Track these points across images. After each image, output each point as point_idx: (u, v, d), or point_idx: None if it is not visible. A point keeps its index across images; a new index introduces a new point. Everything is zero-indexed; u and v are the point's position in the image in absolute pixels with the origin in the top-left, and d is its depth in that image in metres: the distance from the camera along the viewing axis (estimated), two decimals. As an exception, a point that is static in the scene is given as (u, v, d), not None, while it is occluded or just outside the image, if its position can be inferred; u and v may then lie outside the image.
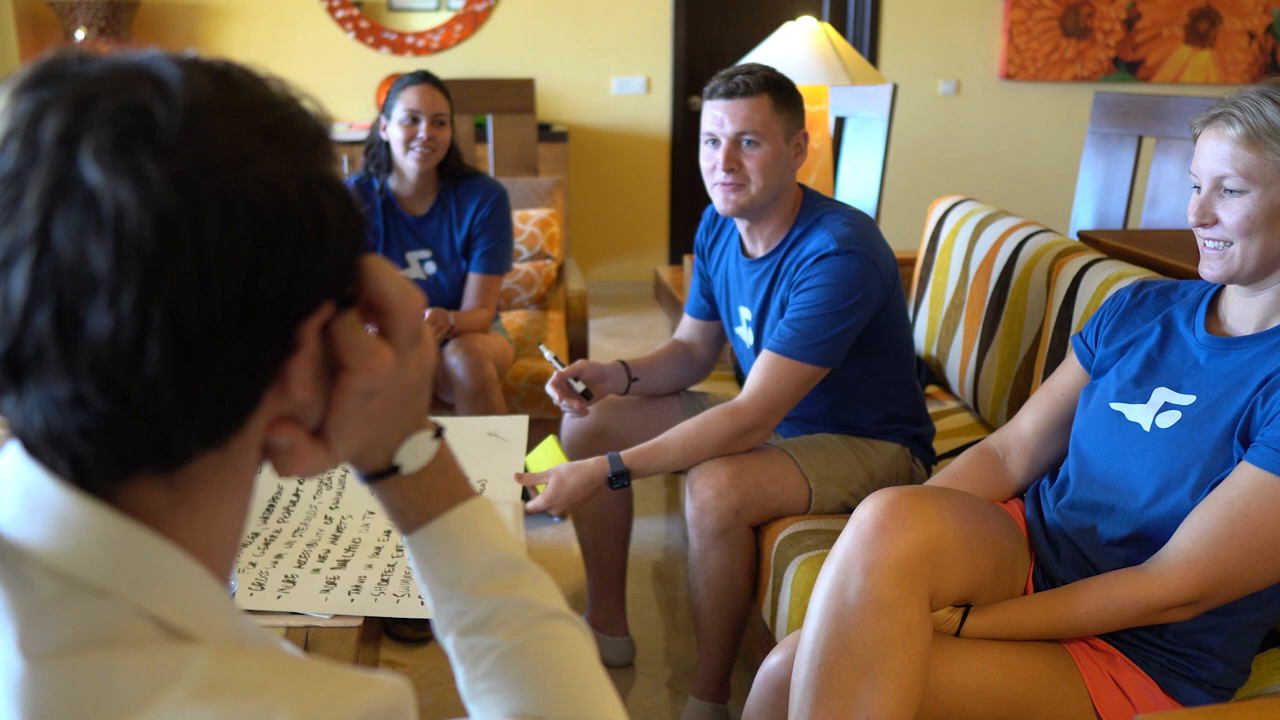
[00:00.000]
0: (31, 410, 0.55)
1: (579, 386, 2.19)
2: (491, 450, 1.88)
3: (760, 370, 2.02)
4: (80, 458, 0.56)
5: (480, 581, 0.77)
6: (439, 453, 0.77)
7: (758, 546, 2.07)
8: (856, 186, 3.54)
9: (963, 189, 3.47)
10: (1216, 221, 1.45)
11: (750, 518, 2.03)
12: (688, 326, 2.42)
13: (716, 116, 2.04)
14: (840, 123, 3.77)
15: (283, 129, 0.58)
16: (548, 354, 2.22)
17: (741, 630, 2.13)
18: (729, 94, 2.02)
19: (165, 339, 0.53)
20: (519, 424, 1.81)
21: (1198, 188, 1.48)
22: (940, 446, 2.34)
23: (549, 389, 2.18)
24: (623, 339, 5.10)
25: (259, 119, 0.57)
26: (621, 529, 2.42)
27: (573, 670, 0.77)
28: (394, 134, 2.76)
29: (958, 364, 2.56)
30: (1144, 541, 1.48)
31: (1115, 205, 3.17)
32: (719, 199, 2.07)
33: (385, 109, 2.78)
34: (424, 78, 2.77)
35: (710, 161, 2.06)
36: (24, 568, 0.56)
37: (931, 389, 2.73)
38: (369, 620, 1.52)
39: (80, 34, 4.91)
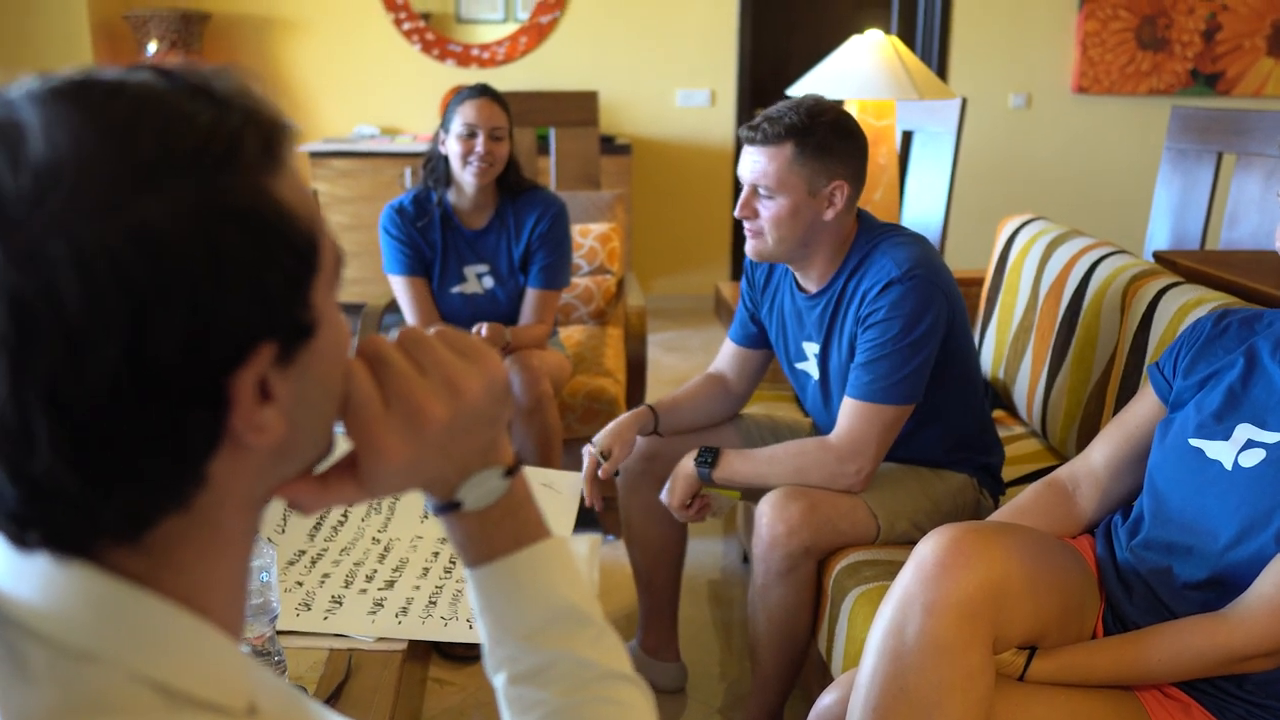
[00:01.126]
0: None
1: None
2: (544, 501, 1.91)
3: (846, 418, 1.96)
4: (28, 534, 0.53)
5: (536, 631, 0.73)
6: (510, 491, 0.72)
7: (818, 577, 2.01)
8: (923, 203, 3.47)
9: (1033, 206, 3.37)
10: (1305, 246, 1.38)
11: (818, 554, 1.98)
12: (728, 357, 2.31)
13: (744, 159, 1.98)
14: (907, 137, 3.70)
15: (170, 160, 0.51)
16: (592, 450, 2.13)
17: (800, 666, 2.08)
18: (750, 139, 1.95)
19: (51, 424, 0.49)
20: (574, 479, 1.86)
21: (1285, 210, 1.41)
22: (1007, 474, 2.26)
23: (585, 488, 2.09)
24: (682, 354, 5.06)
25: (136, 156, 0.50)
26: (674, 552, 2.37)
27: None
28: (452, 148, 2.75)
29: (1025, 388, 2.48)
30: (1223, 586, 1.40)
31: (1193, 224, 3.06)
32: (746, 242, 2.03)
33: (444, 122, 2.77)
34: (482, 91, 2.76)
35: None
36: (10, 633, 0.53)
37: (998, 413, 2.65)
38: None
39: (153, 47, 5.01)
